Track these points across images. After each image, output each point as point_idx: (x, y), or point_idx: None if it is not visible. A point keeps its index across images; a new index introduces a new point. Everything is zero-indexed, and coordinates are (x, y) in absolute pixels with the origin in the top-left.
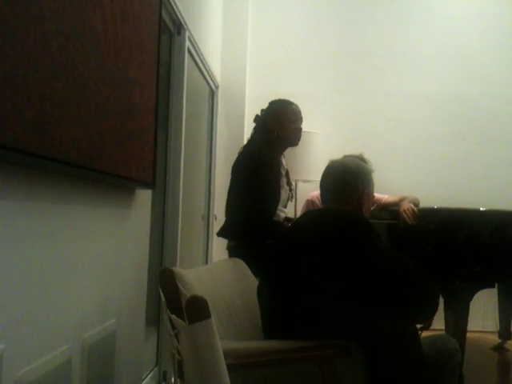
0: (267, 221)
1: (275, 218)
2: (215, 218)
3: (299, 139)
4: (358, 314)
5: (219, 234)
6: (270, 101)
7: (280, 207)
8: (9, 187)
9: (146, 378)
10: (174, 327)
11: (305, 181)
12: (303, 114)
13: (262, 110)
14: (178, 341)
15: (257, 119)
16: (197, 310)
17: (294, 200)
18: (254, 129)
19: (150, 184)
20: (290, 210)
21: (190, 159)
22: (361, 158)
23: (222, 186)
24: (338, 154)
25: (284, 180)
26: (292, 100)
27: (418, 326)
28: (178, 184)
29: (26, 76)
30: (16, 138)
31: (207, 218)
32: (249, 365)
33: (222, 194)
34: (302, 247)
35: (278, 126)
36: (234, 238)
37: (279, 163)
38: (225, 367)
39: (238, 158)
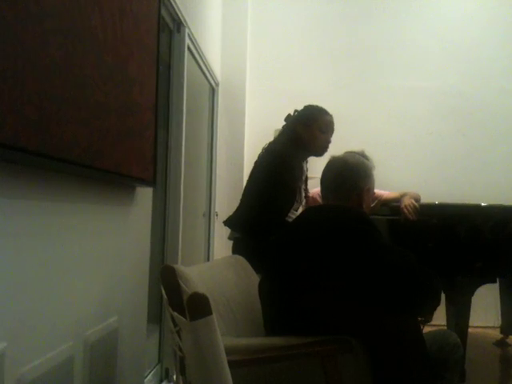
0: (279, 222)
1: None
2: (216, 216)
3: (325, 151)
4: (359, 311)
5: (226, 223)
6: (307, 105)
7: (292, 210)
8: (9, 186)
9: (148, 375)
10: (175, 324)
11: (310, 178)
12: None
13: (295, 111)
14: (180, 338)
15: (288, 119)
16: (198, 306)
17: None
18: (283, 128)
19: (150, 182)
20: None
21: (191, 156)
22: (362, 155)
23: (223, 184)
24: (339, 151)
25: (302, 185)
26: (292, 96)
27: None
28: (178, 181)
29: (25, 74)
30: (16, 137)
31: (208, 215)
32: (250, 361)
33: (223, 192)
34: (303, 244)
35: (308, 132)
36: (242, 232)
37: (302, 168)
38: (226, 364)
39: (263, 155)
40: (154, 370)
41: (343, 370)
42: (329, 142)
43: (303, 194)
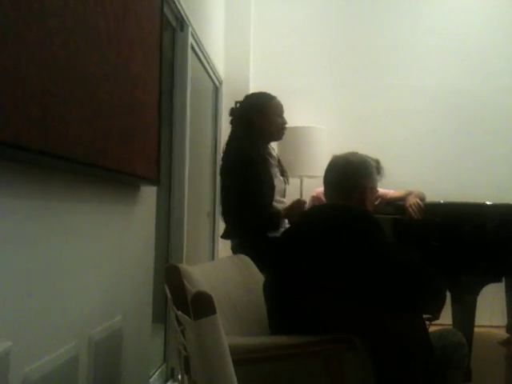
0: (265, 214)
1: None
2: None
3: (284, 133)
4: (361, 311)
5: (223, 236)
6: (247, 94)
7: (278, 198)
8: (12, 185)
9: (153, 374)
10: (180, 323)
11: (310, 176)
12: (307, 109)
13: (238, 103)
14: (185, 337)
15: (235, 112)
16: (202, 305)
17: (299, 195)
18: (233, 123)
19: (154, 180)
20: None
21: (195, 155)
22: (377, 164)
23: None
24: (342, 149)
25: (277, 170)
26: (296, 95)
27: (426, 317)
28: (183, 180)
29: (29, 73)
30: (19, 135)
31: (213, 214)
32: (255, 360)
33: None
34: (305, 244)
35: (264, 120)
36: (236, 237)
37: (268, 154)
38: (231, 363)
39: (224, 159)
40: (160, 369)
41: (347, 368)
42: (285, 123)
43: (281, 178)
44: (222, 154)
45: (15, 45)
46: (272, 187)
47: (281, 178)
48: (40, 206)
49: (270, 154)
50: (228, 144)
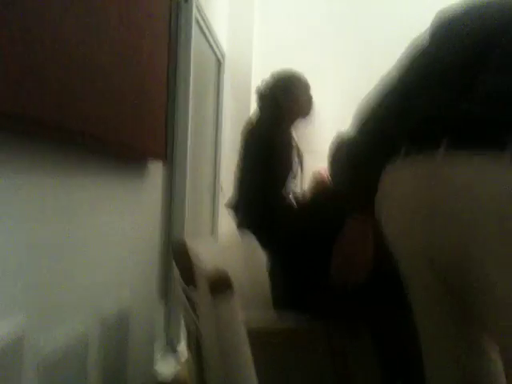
0: (277, 204)
1: (284, 192)
2: (221, 189)
3: (310, 109)
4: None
5: (227, 204)
6: (273, 72)
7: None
8: (24, 161)
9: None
10: (189, 299)
11: (310, 151)
12: (311, 86)
13: (265, 81)
14: (196, 314)
15: (260, 91)
16: (220, 283)
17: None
18: (258, 102)
19: (162, 156)
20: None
21: (197, 130)
22: None
23: (228, 158)
24: (345, 126)
25: (295, 152)
26: (300, 71)
27: None
28: (184, 156)
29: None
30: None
31: (213, 189)
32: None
33: (228, 166)
34: (316, 226)
35: (291, 98)
36: (243, 214)
37: (291, 137)
38: (247, 340)
39: (247, 138)
40: (159, 341)
41: (351, 358)
42: (311, 98)
43: (297, 160)
44: (243, 130)
45: (29, 22)
46: (289, 171)
47: (296, 160)
48: (49, 182)
49: (291, 136)
50: (250, 123)
